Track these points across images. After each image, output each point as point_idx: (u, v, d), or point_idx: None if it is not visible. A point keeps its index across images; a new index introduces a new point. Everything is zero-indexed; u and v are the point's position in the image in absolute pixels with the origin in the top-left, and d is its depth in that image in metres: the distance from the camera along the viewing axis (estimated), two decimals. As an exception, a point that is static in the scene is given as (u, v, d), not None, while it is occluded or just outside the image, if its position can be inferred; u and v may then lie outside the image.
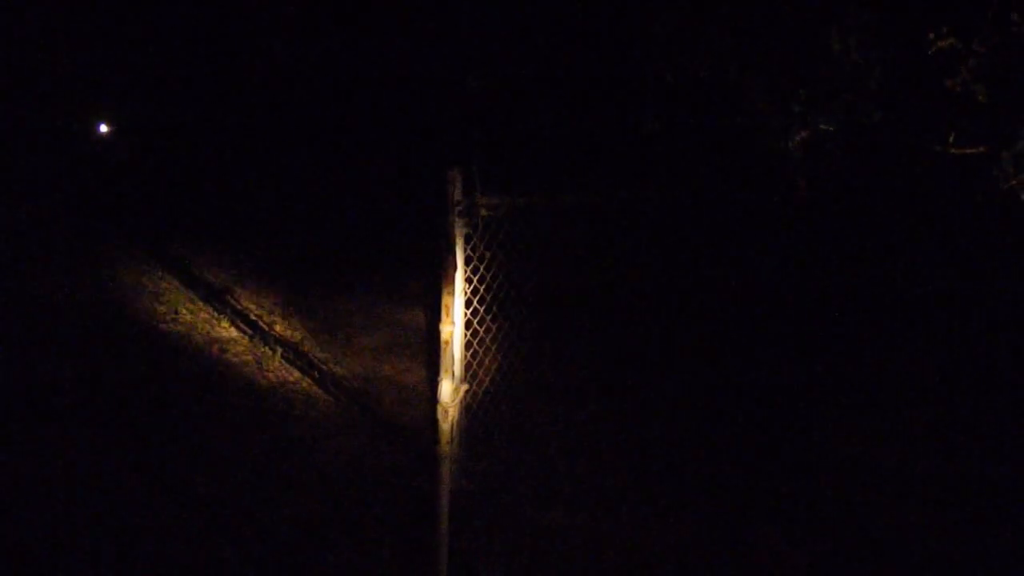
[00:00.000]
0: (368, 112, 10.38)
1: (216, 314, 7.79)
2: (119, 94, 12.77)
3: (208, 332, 7.38)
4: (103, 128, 12.99)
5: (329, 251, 10.00)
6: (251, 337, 7.47)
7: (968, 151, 4.22)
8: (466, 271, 4.71)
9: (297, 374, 7.07)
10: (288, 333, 7.84)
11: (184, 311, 7.61)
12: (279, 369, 7.06)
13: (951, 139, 4.26)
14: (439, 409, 4.18)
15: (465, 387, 4.72)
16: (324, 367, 7.30)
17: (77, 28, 12.16)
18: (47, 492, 4.84)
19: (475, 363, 5.30)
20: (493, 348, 5.19)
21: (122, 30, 12.40)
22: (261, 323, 7.88)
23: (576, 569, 5.04)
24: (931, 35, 4.13)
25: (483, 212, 4.26)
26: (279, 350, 7.31)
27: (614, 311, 8.27)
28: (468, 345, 5.05)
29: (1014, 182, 4.08)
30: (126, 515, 4.81)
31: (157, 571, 4.46)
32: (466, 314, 4.80)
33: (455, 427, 4.25)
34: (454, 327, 4.26)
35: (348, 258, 9.81)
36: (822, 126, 4.29)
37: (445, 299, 4.18)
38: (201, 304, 7.92)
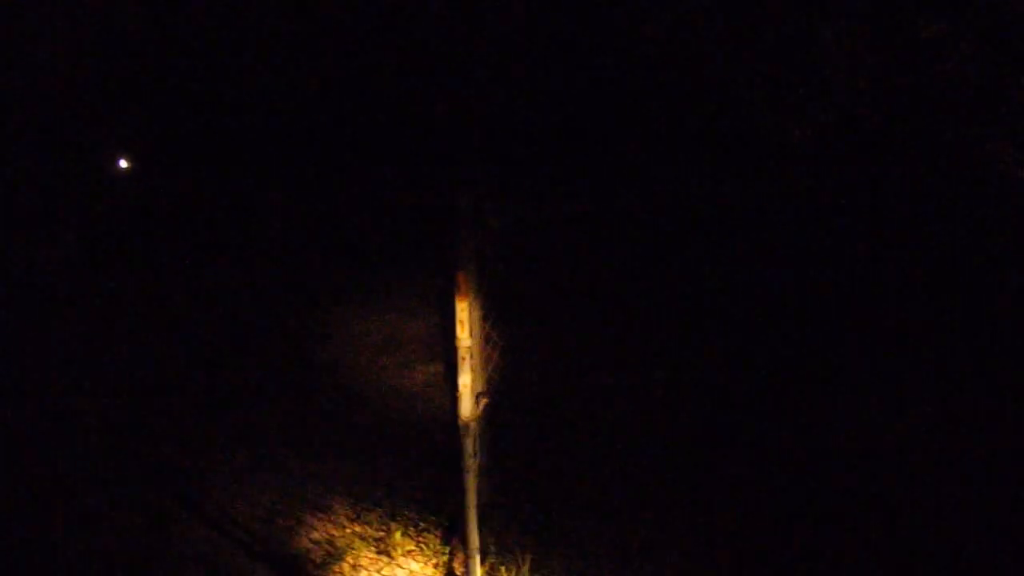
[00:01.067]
0: (376, 130, 10.46)
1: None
2: (138, 128, 12.87)
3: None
4: (123, 163, 13.11)
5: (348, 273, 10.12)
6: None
7: (965, 135, 4.26)
8: (481, 283, 4.75)
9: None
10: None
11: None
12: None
13: (946, 124, 4.31)
14: (460, 424, 4.23)
15: (485, 400, 4.77)
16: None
17: (94, 64, 12.29)
18: None
19: (496, 375, 5.35)
20: (512, 359, 5.24)
21: (136, 64, 12.51)
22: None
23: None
24: (920, 21, 4.18)
25: (494, 223, 4.32)
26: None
27: (629, 313, 8.32)
28: (488, 358, 5.10)
29: (1011, 163, 4.12)
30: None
31: None
32: (484, 327, 4.85)
33: (477, 441, 4.29)
34: (471, 340, 4.31)
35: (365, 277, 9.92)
36: (819, 117, 4.34)
37: (460, 313, 4.24)
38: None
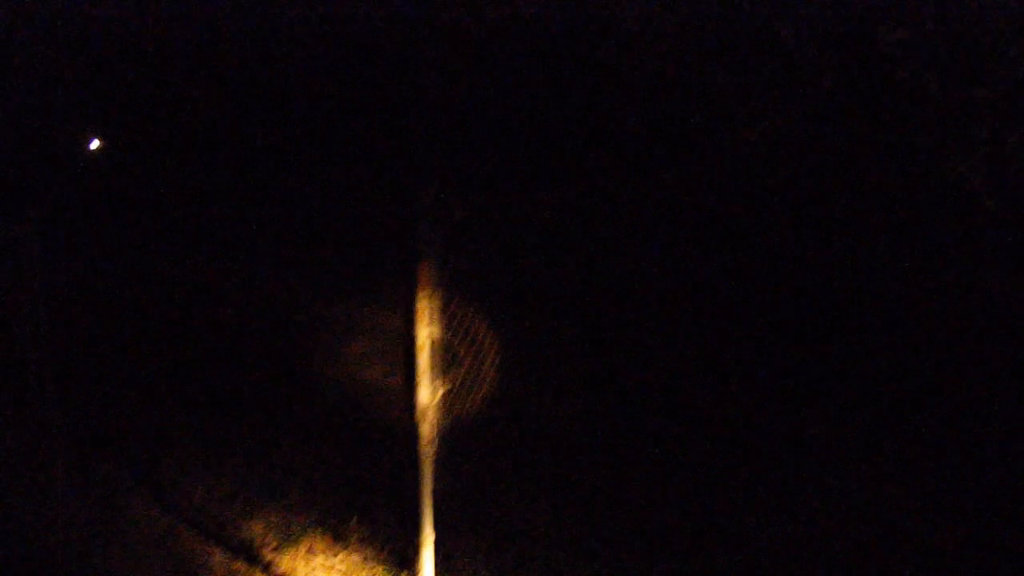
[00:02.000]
0: (336, 119, 10.46)
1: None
2: (111, 107, 12.77)
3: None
4: (95, 143, 12.99)
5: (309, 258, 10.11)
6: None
7: (920, 141, 4.34)
8: (442, 274, 4.78)
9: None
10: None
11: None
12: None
13: (902, 130, 4.39)
14: (417, 412, 4.27)
15: (443, 388, 4.80)
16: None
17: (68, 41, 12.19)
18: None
19: (454, 365, 5.38)
20: (473, 349, 5.28)
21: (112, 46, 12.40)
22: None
23: (561, 570, 5.14)
24: (880, 27, 4.25)
25: (456, 214, 4.35)
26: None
27: (590, 307, 8.38)
28: (448, 347, 5.13)
29: (963, 169, 4.22)
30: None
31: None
32: (444, 316, 4.88)
33: (434, 429, 4.32)
34: (430, 329, 4.34)
35: (327, 266, 9.91)
36: (780, 120, 4.41)
37: (420, 303, 4.26)
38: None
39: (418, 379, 4.27)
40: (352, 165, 9.90)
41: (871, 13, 4.37)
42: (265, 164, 11.50)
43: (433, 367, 4.35)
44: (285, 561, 5.15)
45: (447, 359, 5.07)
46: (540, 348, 7.11)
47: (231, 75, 11.36)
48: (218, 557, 5.17)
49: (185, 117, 12.15)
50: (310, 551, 5.23)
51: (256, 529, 5.45)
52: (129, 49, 11.93)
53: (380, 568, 5.08)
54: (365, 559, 5.16)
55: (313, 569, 5.08)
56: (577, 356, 7.73)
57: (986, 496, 5.97)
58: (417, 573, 4.43)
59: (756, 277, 8.42)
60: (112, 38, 11.93)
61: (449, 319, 5.00)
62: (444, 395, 4.48)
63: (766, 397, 7.19)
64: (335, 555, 5.21)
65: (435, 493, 4.37)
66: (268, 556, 5.20)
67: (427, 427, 4.28)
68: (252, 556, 5.19)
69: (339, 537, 5.35)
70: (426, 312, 4.29)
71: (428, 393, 4.29)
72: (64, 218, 9.70)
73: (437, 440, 4.35)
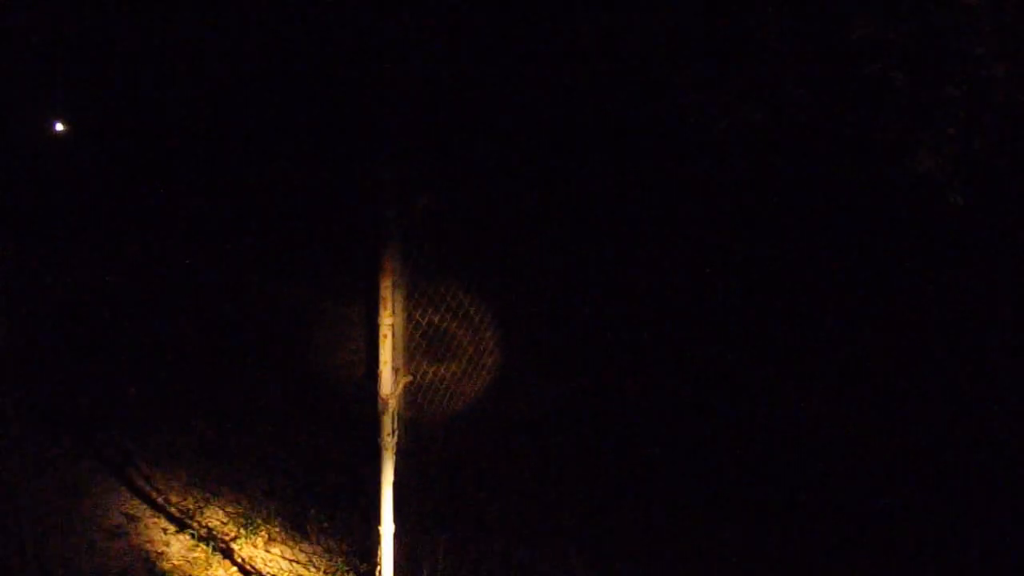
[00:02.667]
0: (297, 107, 10.35)
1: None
2: (77, 91, 12.61)
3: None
4: (59, 127, 12.84)
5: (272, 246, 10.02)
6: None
7: (889, 137, 4.34)
8: (406, 262, 4.73)
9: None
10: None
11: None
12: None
13: (873, 126, 4.38)
14: (379, 401, 4.21)
15: (408, 379, 4.75)
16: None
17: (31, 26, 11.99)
18: None
19: (418, 354, 5.33)
20: (436, 339, 5.24)
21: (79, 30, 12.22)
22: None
23: (521, 560, 5.11)
24: (852, 23, 4.24)
25: (421, 202, 4.30)
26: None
27: (556, 298, 8.35)
28: (411, 337, 5.08)
29: (931, 165, 4.21)
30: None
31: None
32: (407, 306, 4.83)
33: (395, 419, 4.27)
34: (393, 318, 4.29)
35: (291, 254, 9.83)
36: (749, 114, 4.39)
37: (383, 291, 4.21)
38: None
39: (380, 369, 4.21)
40: (315, 151, 9.82)
41: (841, 9, 4.36)
42: (228, 152, 11.38)
43: (395, 357, 4.29)
44: (245, 550, 5.09)
45: (410, 349, 5.03)
46: (507, 341, 7.06)
47: (192, 60, 11.23)
48: (177, 547, 5.10)
49: (148, 103, 12.01)
50: (269, 541, 5.18)
51: (216, 518, 5.38)
52: (93, 35, 11.77)
53: (339, 559, 5.03)
54: (325, 550, 5.11)
55: (272, 559, 5.03)
56: (544, 350, 7.70)
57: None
58: (377, 565, 4.38)
59: (726, 269, 8.43)
60: (76, 23, 11.77)
61: (412, 308, 4.95)
62: (406, 385, 4.43)
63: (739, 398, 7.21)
64: (295, 545, 5.15)
65: (396, 485, 4.32)
66: (229, 545, 5.13)
67: (388, 418, 4.23)
68: (212, 546, 5.12)
69: (299, 527, 5.30)
70: (389, 301, 4.23)
71: (390, 383, 4.23)
72: (22, 203, 9.55)
73: (399, 431, 4.29)
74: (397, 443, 4.30)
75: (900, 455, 6.51)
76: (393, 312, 4.26)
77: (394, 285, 4.25)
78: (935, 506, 5.91)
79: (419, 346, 5.28)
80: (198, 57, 10.97)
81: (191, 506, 5.50)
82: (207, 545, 5.10)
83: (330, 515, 5.42)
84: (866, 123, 4.42)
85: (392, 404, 4.27)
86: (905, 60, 4.31)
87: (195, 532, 5.22)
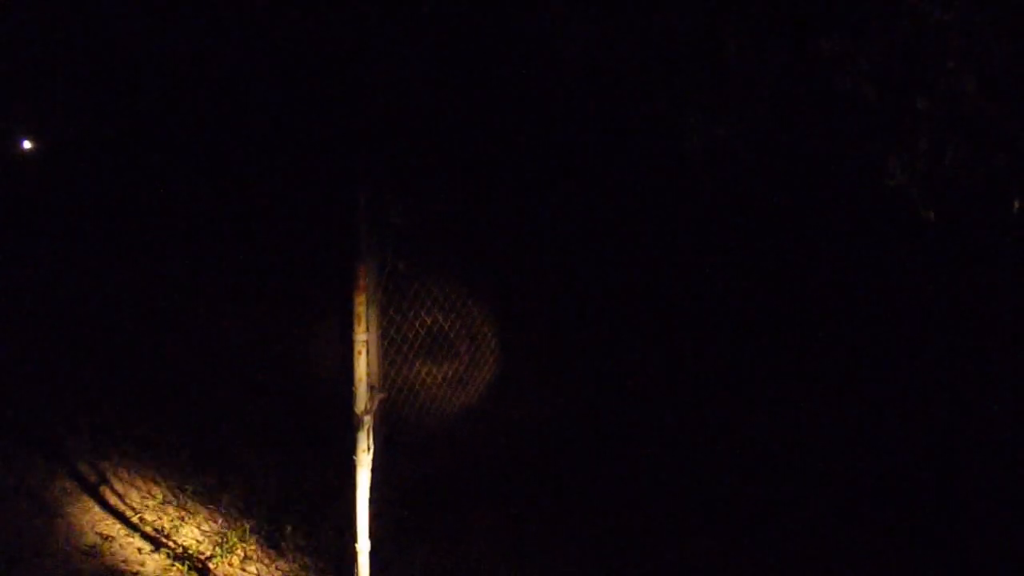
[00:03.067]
0: (270, 121, 10.32)
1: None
2: (44, 109, 12.53)
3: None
4: (26, 144, 12.74)
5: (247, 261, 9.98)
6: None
7: (860, 152, 4.36)
8: (381, 279, 4.72)
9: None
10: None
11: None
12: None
13: (843, 141, 4.41)
14: (354, 418, 4.20)
15: (383, 395, 4.74)
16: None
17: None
18: None
19: (392, 371, 5.32)
20: (411, 356, 5.24)
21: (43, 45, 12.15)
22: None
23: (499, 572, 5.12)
24: (822, 39, 4.27)
25: (394, 219, 4.29)
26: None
27: (534, 314, 8.36)
28: (385, 354, 5.07)
29: (903, 179, 4.24)
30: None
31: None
32: (382, 323, 4.82)
33: (371, 435, 4.26)
34: (368, 335, 4.28)
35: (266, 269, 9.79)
36: (718, 130, 4.41)
37: (358, 308, 4.20)
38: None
39: (355, 386, 4.20)
40: (288, 167, 9.78)
41: (811, 22, 4.38)
42: (201, 165, 11.32)
43: (370, 374, 4.28)
44: (220, 569, 5.06)
45: (385, 365, 5.02)
46: (483, 356, 7.06)
47: (163, 74, 11.18)
48: (152, 566, 5.06)
49: (119, 118, 11.95)
50: (245, 559, 5.15)
51: (192, 537, 5.35)
52: (61, 50, 11.71)
53: (315, 570, 5.01)
54: (301, 567, 5.09)
55: (248, 579, 5.00)
56: (520, 364, 7.69)
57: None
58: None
59: (703, 283, 8.47)
60: (45, 38, 11.72)
61: (387, 324, 4.95)
62: (382, 401, 4.42)
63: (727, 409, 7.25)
64: (271, 563, 5.13)
65: (372, 501, 4.31)
66: (204, 564, 5.10)
67: (364, 434, 4.22)
68: (187, 565, 5.08)
69: (274, 545, 5.27)
70: (363, 318, 4.23)
71: (365, 400, 4.22)
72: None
73: (374, 447, 4.28)
74: (373, 459, 4.29)
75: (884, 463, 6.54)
76: (368, 329, 4.25)
77: (368, 302, 4.24)
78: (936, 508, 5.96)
79: (394, 361, 5.28)
80: (169, 71, 10.95)
81: (166, 525, 5.46)
82: (182, 564, 5.06)
83: (306, 533, 5.40)
84: (836, 138, 4.46)
85: (367, 420, 4.26)
86: (876, 74, 4.33)
87: (171, 551, 5.18)
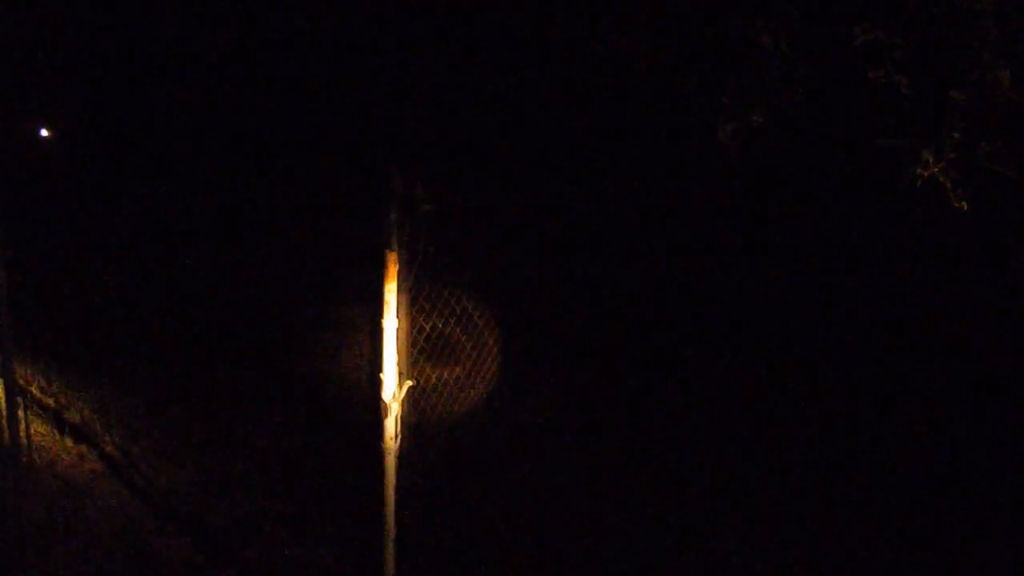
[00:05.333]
0: (303, 112, 10.35)
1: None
2: (61, 97, 12.66)
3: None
4: (44, 132, 12.94)
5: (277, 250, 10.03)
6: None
7: (893, 141, 4.33)
8: (411, 266, 4.72)
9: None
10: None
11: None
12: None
13: (876, 130, 4.38)
14: (382, 406, 4.21)
15: (410, 383, 4.75)
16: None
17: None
18: None
19: (422, 359, 5.32)
20: (441, 344, 5.25)
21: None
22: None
23: (521, 562, 5.12)
24: (856, 28, 4.24)
25: (426, 207, 4.28)
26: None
27: (563, 306, 8.35)
28: (415, 342, 5.07)
29: (935, 169, 4.21)
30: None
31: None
32: (411, 310, 4.82)
33: (399, 423, 4.27)
34: (397, 323, 4.28)
35: (296, 259, 9.82)
36: (752, 117, 4.39)
37: (387, 296, 4.21)
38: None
39: (383, 373, 4.21)
40: (320, 157, 9.81)
41: (846, 12, 4.35)
42: (234, 156, 11.38)
43: (399, 362, 4.29)
44: (247, 555, 5.09)
45: (414, 354, 5.03)
46: (512, 347, 7.06)
47: (194, 66, 11.23)
48: (180, 551, 5.10)
49: (147, 108, 12.03)
50: (272, 545, 5.18)
51: (219, 522, 5.38)
52: (79, 41, 11.81)
53: (343, 563, 5.03)
54: (327, 553, 5.11)
55: (275, 563, 5.03)
56: (548, 357, 7.69)
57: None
58: (379, 568, 4.38)
59: (733, 276, 8.42)
60: (61, 29, 11.81)
61: (417, 313, 4.95)
62: (410, 390, 4.43)
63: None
64: (297, 549, 5.15)
65: (398, 489, 4.32)
66: (231, 550, 5.14)
67: (391, 422, 4.22)
68: (214, 549, 5.12)
69: (302, 531, 5.30)
70: (393, 306, 4.23)
71: (393, 388, 4.23)
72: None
73: (401, 435, 4.29)
74: (400, 447, 4.30)
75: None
76: (397, 317, 4.26)
77: (398, 290, 4.24)
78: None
79: (423, 350, 5.28)
80: (204, 65, 11.00)
81: (194, 508, 5.50)
82: (210, 549, 5.10)
83: (333, 519, 5.42)
84: (870, 128, 4.43)
85: (395, 408, 4.27)
86: (909, 65, 4.30)
87: (199, 535, 5.22)
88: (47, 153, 12.79)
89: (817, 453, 6.58)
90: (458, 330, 5.40)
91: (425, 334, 5.13)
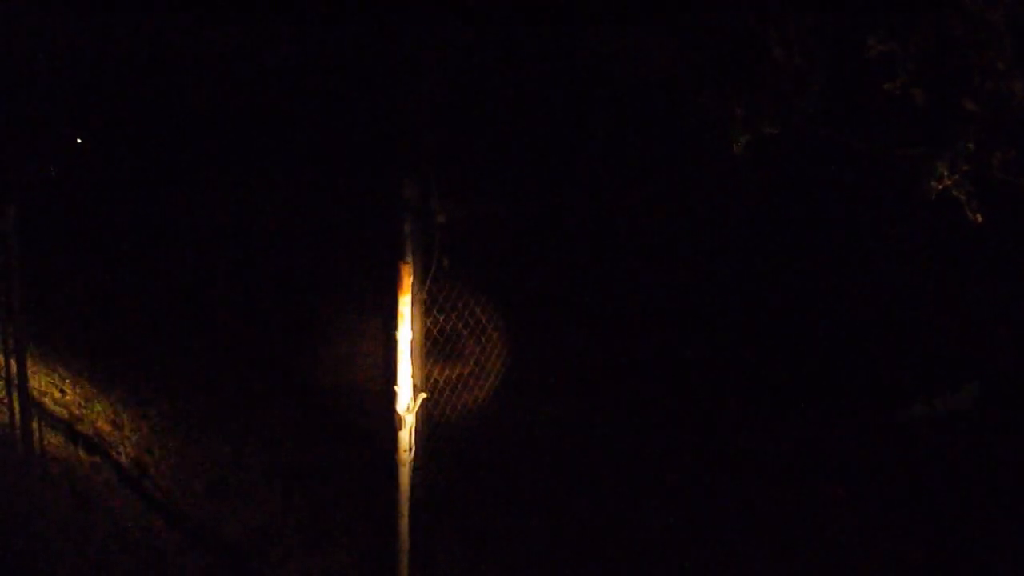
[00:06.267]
0: (320, 121, 10.41)
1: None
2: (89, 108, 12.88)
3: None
4: (78, 140, 13.36)
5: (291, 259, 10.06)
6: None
7: (907, 153, 4.33)
8: (425, 278, 4.72)
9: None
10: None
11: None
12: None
13: (890, 142, 4.38)
14: (396, 418, 4.21)
15: (424, 395, 4.74)
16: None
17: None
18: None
19: (435, 371, 5.32)
20: (454, 355, 5.24)
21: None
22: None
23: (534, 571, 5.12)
24: (870, 40, 4.23)
25: (440, 218, 4.28)
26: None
27: (576, 316, 8.35)
28: (428, 353, 5.07)
29: (949, 182, 4.20)
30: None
31: None
32: (426, 322, 4.81)
33: (412, 435, 4.27)
34: (411, 335, 4.28)
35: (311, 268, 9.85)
36: (766, 129, 4.39)
37: (401, 306, 4.21)
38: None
39: (398, 384, 4.21)
40: (336, 166, 9.85)
41: (860, 23, 4.35)
42: (249, 164, 11.44)
43: (413, 372, 4.30)
44: (262, 565, 5.09)
45: (428, 364, 5.02)
46: (525, 356, 7.06)
47: (213, 72, 11.32)
48: (193, 561, 5.11)
49: (168, 116, 12.14)
50: (286, 555, 5.18)
51: (233, 532, 5.39)
52: (106, 52, 11.94)
53: (358, 572, 5.04)
54: (342, 565, 5.11)
55: (289, 574, 5.03)
56: (561, 365, 7.68)
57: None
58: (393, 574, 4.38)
59: (745, 285, 8.42)
60: (88, 41, 11.94)
61: (431, 324, 4.95)
62: (424, 401, 4.43)
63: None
64: (311, 559, 5.15)
65: (413, 500, 4.32)
66: (244, 559, 5.14)
67: (405, 434, 4.23)
68: (228, 560, 5.13)
69: (316, 542, 5.30)
70: (407, 317, 4.23)
71: (407, 398, 4.23)
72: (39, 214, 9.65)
73: (416, 446, 4.30)
74: (414, 459, 4.30)
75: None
76: (411, 328, 4.26)
77: (412, 301, 4.25)
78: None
79: (437, 360, 5.28)
80: (220, 75, 11.09)
81: (208, 519, 5.51)
82: (224, 560, 5.11)
83: (348, 530, 5.42)
84: (884, 139, 4.42)
85: (409, 420, 4.27)
86: (923, 76, 4.30)
87: (212, 545, 5.23)
88: (74, 162, 13.06)
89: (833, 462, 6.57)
90: (472, 341, 5.41)
91: (439, 345, 5.13)
